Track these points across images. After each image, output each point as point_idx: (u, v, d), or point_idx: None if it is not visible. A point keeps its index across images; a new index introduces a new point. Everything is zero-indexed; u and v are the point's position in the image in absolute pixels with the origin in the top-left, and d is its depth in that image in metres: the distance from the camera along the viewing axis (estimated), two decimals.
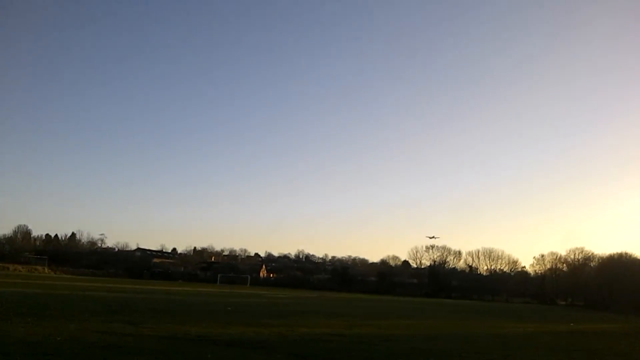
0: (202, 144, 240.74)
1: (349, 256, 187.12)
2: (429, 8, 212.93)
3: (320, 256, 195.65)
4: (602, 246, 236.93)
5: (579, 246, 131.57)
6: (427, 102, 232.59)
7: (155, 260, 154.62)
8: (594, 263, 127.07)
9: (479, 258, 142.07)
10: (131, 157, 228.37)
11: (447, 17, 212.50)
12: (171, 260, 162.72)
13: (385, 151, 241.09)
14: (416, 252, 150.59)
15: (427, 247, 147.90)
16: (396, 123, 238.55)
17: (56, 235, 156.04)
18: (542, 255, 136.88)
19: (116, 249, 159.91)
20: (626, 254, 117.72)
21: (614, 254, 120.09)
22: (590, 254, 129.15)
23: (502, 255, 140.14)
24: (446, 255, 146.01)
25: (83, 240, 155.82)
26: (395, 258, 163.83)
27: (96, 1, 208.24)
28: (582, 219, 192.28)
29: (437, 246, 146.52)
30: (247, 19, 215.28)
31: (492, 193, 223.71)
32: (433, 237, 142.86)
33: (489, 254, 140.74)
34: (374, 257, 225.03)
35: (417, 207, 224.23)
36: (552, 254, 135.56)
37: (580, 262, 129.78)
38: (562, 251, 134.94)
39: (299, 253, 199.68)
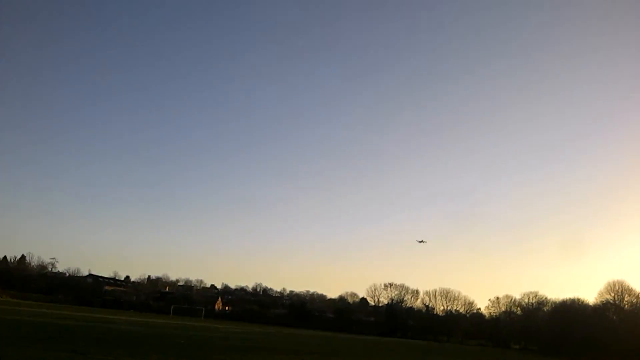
0: (160, 170, 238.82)
1: (307, 291, 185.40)
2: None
3: (278, 290, 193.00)
4: (555, 291, 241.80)
5: (533, 290, 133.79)
6: (385, 143, 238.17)
7: (107, 287, 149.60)
8: (547, 307, 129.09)
9: (435, 298, 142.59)
10: (87, 181, 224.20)
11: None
12: (123, 289, 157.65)
13: (345, 188, 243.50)
14: (374, 290, 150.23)
15: (385, 285, 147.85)
16: (355, 160, 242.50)
17: (5, 257, 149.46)
18: (497, 298, 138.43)
19: (67, 274, 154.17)
20: (578, 299, 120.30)
21: (566, 299, 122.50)
22: (543, 298, 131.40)
23: (458, 296, 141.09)
24: (404, 294, 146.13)
25: (33, 264, 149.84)
26: (353, 295, 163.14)
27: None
28: (536, 264, 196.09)
29: (395, 284, 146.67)
30: None
31: (450, 234, 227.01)
32: (422, 241, 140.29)
33: (446, 295, 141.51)
34: (332, 292, 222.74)
35: (377, 245, 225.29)
36: (507, 296, 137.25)
37: (534, 307, 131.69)
38: (517, 294, 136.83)
39: (256, 286, 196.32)
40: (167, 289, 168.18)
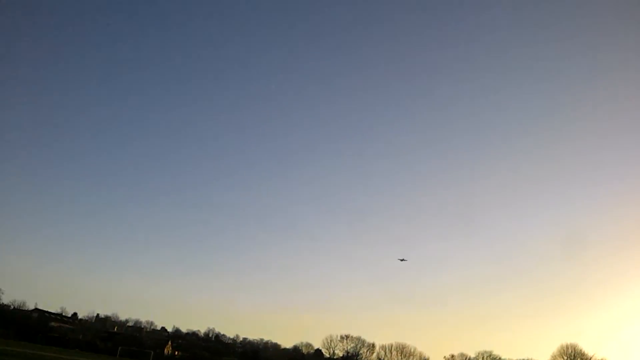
0: (118, 205, 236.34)
1: (261, 339, 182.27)
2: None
3: (231, 336, 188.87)
4: (509, 351, 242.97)
5: (487, 349, 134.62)
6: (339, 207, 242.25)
7: (53, 323, 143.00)
8: None
9: (391, 352, 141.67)
10: (39, 213, 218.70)
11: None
12: (70, 326, 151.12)
13: (299, 241, 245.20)
14: (330, 341, 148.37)
15: (341, 337, 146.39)
16: (308, 217, 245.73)
17: None
18: (452, 356, 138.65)
19: (12, 307, 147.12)
20: None
21: None
22: (498, 357, 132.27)
23: (414, 352, 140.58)
24: (360, 346, 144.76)
25: None
26: (308, 345, 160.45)
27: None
28: (491, 324, 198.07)
29: (352, 337, 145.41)
30: None
31: (409, 291, 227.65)
32: (403, 259, 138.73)
33: (402, 349, 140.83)
34: (287, 342, 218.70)
35: (335, 296, 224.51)
36: (462, 355, 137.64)
37: None
38: (472, 353, 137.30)
39: (209, 331, 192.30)
40: (115, 329, 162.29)
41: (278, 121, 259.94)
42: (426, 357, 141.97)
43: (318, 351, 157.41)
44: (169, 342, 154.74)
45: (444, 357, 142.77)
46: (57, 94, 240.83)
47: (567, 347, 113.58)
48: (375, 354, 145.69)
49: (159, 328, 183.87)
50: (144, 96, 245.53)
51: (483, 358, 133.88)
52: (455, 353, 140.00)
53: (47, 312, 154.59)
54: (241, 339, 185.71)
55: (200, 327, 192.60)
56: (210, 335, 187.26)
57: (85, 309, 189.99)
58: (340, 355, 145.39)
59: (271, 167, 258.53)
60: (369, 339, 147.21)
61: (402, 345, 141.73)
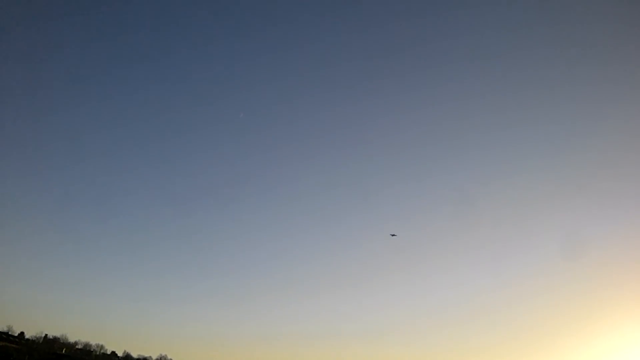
0: (69, 223, 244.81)
1: None
2: None
3: None
4: None
5: None
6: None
7: None
8: None
9: None
10: None
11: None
12: (16, 346, 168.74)
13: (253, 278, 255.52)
14: None
15: None
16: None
17: None
18: None
19: None
20: None
21: None
22: None
23: None
24: None
25: None
26: None
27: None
28: None
29: None
30: None
31: None
32: (394, 234, 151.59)
33: None
34: None
35: (293, 333, 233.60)
36: None
37: None
38: None
39: (160, 357, 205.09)
40: (63, 351, 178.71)
41: None
42: None
43: None
44: None
45: None
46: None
47: None
48: None
49: (109, 352, 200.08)
50: None
51: None
52: None
53: None
54: None
55: (152, 354, 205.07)
56: None
57: (33, 329, 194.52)
58: None
59: None
60: None
61: None
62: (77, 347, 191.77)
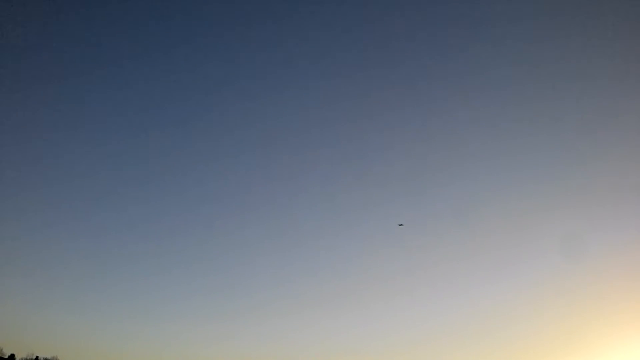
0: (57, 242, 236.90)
1: None
2: None
3: None
4: None
5: None
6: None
7: None
8: None
9: None
10: None
11: None
12: None
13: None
14: None
15: None
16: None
17: None
18: None
19: None
20: None
21: None
22: None
23: None
24: None
25: None
26: None
27: None
28: None
29: None
30: None
31: None
32: (401, 224, 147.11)
33: None
34: None
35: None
36: None
37: None
38: None
39: None
40: None
41: None
42: None
43: None
44: None
45: None
46: None
47: None
48: None
49: None
50: None
51: None
52: None
53: None
54: None
55: None
56: None
57: (24, 351, 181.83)
58: None
59: None
60: None
61: None
62: None
